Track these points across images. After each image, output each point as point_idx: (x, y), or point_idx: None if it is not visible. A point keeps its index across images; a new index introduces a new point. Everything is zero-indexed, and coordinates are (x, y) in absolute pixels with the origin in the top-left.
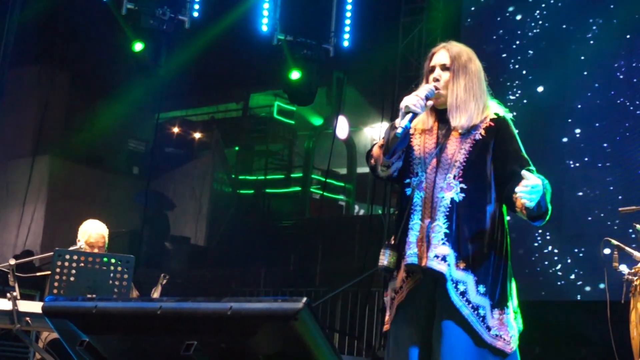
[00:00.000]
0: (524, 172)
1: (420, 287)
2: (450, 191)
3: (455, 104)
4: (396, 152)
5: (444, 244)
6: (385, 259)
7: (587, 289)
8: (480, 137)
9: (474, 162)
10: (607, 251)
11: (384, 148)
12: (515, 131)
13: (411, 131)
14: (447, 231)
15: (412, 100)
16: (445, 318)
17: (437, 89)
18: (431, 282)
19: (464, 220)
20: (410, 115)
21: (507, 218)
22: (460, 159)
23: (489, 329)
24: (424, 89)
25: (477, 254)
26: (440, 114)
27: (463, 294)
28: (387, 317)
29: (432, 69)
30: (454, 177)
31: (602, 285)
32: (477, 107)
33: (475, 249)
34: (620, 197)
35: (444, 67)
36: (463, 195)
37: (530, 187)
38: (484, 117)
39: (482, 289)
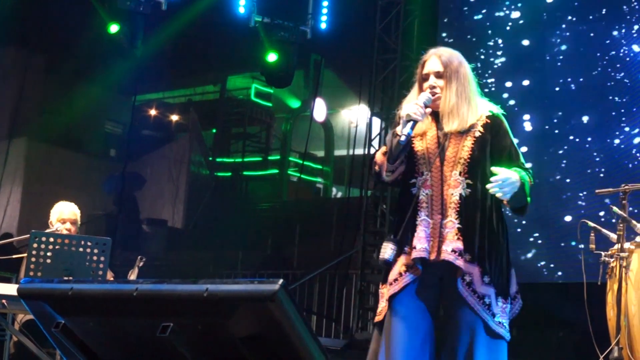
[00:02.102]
0: (493, 168)
1: (423, 280)
2: (457, 187)
3: (448, 109)
4: (399, 157)
5: (458, 239)
6: (387, 252)
7: (564, 271)
8: (480, 134)
9: (477, 159)
10: (587, 234)
11: (388, 155)
12: (509, 127)
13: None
14: (459, 226)
15: (413, 108)
16: (454, 308)
17: (434, 95)
18: (435, 275)
19: (471, 215)
20: (411, 123)
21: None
22: (465, 156)
23: (494, 315)
24: (422, 97)
25: (481, 246)
26: (438, 116)
27: (469, 284)
28: (380, 308)
29: (426, 77)
30: (460, 174)
31: (579, 267)
32: (469, 109)
33: (480, 242)
34: (597, 180)
35: (437, 75)
36: (469, 190)
37: (501, 181)
38: (479, 115)
39: (486, 279)
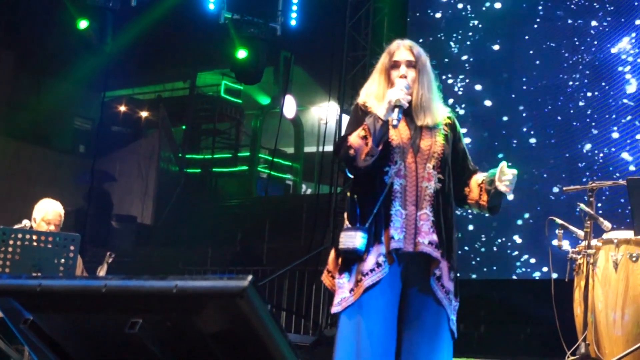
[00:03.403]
0: (503, 163)
1: (395, 271)
2: (430, 181)
3: (421, 103)
4: (381, 141)
5: (433, 232)
6: (358, 241)
7: (532, 267)
8: (445, 133)
9: (447, 155)
10: (555, 231)
11: (375, 138)
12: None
13: None
14: (433, 219)
15: (400, 94)
16: (421, 300)
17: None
18: (406, 267)
19: (442, 210)
20: (400, 108)
21: None
22: (438, 151)
23: (452, 312)
24: (402, 85)
25: (449, 242)
26: (405, 109)
27: (439, 278)
28: (339, 298)
29: (396, 64)
30: (433, 168)
31: (546, 264)
32: (438, 106)
33: (448, 238)
34: (564, 176)
35: (409, 64)
36: (440, 185)
37: (512, 175)
38: (443, 114)
39: (452, 275)
